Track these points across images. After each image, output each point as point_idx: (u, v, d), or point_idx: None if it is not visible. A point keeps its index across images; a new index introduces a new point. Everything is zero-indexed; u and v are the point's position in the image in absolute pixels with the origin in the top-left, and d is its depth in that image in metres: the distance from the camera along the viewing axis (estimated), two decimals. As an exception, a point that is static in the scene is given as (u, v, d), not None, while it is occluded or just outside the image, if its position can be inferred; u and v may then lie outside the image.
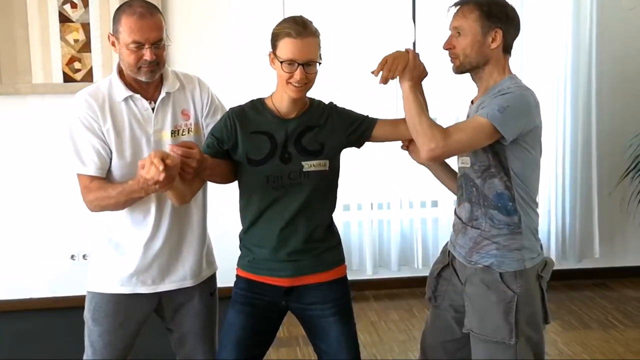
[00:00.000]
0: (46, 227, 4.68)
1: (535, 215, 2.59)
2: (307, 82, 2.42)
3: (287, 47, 2.38)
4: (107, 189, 2.46)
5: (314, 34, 2.41)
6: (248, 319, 2.55)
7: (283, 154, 2.47)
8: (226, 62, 4.69)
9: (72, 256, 4.62)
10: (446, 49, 2.55)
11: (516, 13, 2.55)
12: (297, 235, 2.50)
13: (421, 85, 2.57)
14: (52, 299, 4.59)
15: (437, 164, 2.73)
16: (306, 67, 2.39)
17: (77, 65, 4.58)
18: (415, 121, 2.43)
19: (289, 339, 4.22)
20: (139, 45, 2.41)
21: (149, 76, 2.47)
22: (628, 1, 5.01)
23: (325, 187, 2.55)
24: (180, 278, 2.64)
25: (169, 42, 2.52)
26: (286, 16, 2.54)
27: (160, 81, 2.56)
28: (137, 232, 2.56)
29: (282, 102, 2.49)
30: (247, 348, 2.55)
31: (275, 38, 2.43)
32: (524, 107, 2.45)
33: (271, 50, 2.45)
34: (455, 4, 2.56)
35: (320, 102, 2.59)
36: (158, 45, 2.44)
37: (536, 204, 2.59)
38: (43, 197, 4.65)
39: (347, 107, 2.62)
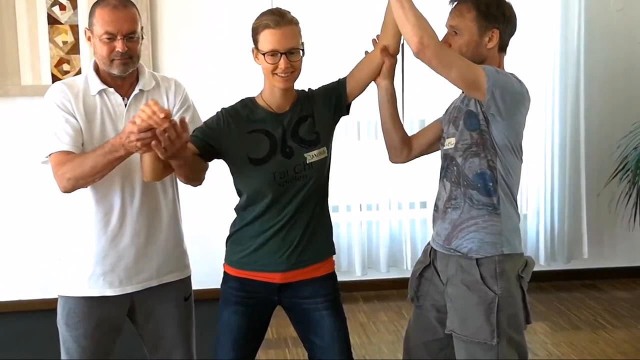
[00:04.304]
0: (35, 229, 4.67)
1: (516, 210, 2.57)
2: (293, 70, 2.43)
3: (268, 39, 2.39)
4: (83, 155, 2.41)
5: (292, 21, 2.42)
6: (243, 319, 2.56)
7: (284, 148, 2.49)
8: (215, 63, 4.70)
9: (61, 259, 4.61)
10: None
11: (513, 12, 2.55)
12: (299, 226, 2.51)
13: None
14: (41, 300, 4.59)
15: (388, 97, 2.65)
16: (289, 55, 2.40)
17: (65, 67, 4.59)
18: (411, 14, 2.34)
19: (277, 340, 4.22)
20: (111, 37, 2.42)
21: (121, 69, 2.46)
22: (616, 2, 5.04)
23: (326, 175, 2.58)
24: (147, 278, 2.60)
25: (141, 34, 2.51)
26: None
27: (136, 79, 2.56)
28: (101, 229, 2.52)
29: (273, 97, 2.50)
30: (244, 346, 2.58)
31: (255, 32, 2.44)
32: (517, 89, 2.46)
33: (253, 45, 2.47)
34: (452, 2, 2.56)
35: (302, 91, 2.60)
36: (131, 37, 2.44)
37: (516, 202, 2.58)
38: (31, 199, 4.64)
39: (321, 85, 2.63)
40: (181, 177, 2.51)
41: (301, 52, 2.44)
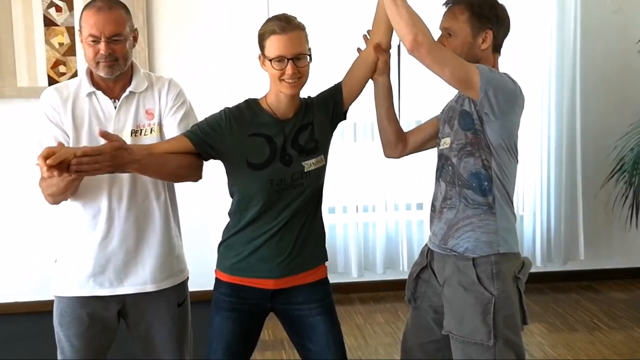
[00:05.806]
0: (32, 230, 4.67)
1: (512, 210, 2.58)
2: (301, 76, 2.40)
3: (274, 45, 2.38)
4: None
5: (299, 27, 2.41)
6: (235, 325, 2.55)
7: (283, 156, 2.47)
8: (212, 64, 4.70)
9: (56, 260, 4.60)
10: None
11: (506, 13, 2.57)
12: (293, 232, 2.50)
13: None
14: (39, 302, 4.58)
15: (384, 92, 2.68)
16: (296, 61, 2.38)
17: (62, 68, 4.59)
18: (405, 11, 2.37)
19: (274, 342, 4.22)
20: (96, 39, 2.41)
21: (107, 71, 2.45)
22: (612, 3, 5.04)
23: (322, 183, 2.57)
24: (140, 282, 2.58)
25: (132, 35, 2.50)
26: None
27: (129, 81, 2.55)
28: (89, 231, 2.52)
29: (278, 103, 2.48)
30: (236, 352, 2.56)
31: (261, 39, 2.43)
32: (510, 89, 2.46)
33: (260, 52, 2.45)
34: (446, 4, 2.56)
35: (304, 98, 2.59)
36: (116, 40, 2.42)
37: (512, 202, 2.58)
38: (28, 201, 4.61)
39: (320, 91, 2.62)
40: (157, 179, 2.50)
41: (308, 57, 2.42)
